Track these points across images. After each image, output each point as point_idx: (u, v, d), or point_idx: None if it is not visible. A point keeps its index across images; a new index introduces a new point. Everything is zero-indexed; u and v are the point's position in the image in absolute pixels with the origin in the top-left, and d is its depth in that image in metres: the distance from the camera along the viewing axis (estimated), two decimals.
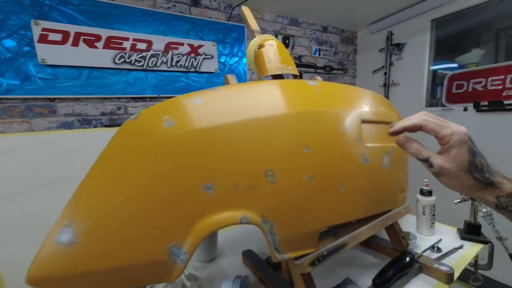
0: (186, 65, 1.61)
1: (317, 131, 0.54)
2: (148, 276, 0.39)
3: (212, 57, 1.68)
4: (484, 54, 1.83)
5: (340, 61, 2.34)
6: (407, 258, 0.61)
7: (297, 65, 2.03)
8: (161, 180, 0.40)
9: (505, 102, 1.52)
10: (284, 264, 0.63)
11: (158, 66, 1.52)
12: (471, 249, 0.72)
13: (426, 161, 0.39)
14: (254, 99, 0.51)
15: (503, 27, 2.28)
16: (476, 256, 0.72)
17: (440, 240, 0.76)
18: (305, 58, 2.12)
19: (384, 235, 0.72)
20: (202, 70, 1.65)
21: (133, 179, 0.39)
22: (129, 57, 1.43)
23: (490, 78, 1.60)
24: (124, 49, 1.41)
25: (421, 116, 0.39)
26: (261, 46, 0.71)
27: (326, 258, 0.49)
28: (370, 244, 0.77)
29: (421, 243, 0.75)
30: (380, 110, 0.74)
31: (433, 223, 0.79)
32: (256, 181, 0.46)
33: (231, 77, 0.63)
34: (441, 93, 1.85)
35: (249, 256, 0.73)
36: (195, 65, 1.63)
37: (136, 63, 1.46)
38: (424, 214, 0.79)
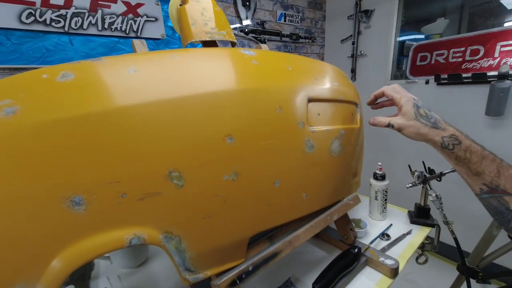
0: (123, 29, 1.32)
1: (246, 116, 0.43)
2: None
3: (157, 19, 1.42)
4: (448, 24, 1.78)
5: (308, 29, 2.15)
6: (353, 253, 0.56)
7: (260, 32, 1.83)
8: None
9: (463, 75, 1.51)
10: None
11: (85, 29, 1.22)
12: (419, 234, 0.70)
13: (389, 125, 0.48)
14: (156, 76, 0.37)
15: None
16: (425, 239, 0.70)
17: (391, 225, 0.73)
18: (269, 24, 1.90)
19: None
20: (145, 35, 1.39)
21: None
22: (41, 15, 1.12)
23: (452, 50, 1.57)
24: (33, 3, 1.10)
25: (384, 87, 0.53)
26: (184, 1, 0.55)
27: (253, 274, 0.41)
28: (320, 235, 0.71)
29: (372, 230, 0.72)
30: (334, 86, 0.64)
31: (385, 207, 0.76)
32: (154, 187, 0.34)
33: (138, 43, 0.48)
34: (406, 66, 1.80)
35: None
36: (135, 29, 1.36)
37: (54, 24, 1.15)
38: (376, 199, 0.75)
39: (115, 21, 1.30)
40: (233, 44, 0.61)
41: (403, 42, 1.97)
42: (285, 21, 1.96)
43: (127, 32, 1.35)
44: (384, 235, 0.68)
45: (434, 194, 0.68)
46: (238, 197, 0.41)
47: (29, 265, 0.28)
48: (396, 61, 1.93)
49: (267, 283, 0.57)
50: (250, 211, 0.42)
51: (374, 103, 0.59)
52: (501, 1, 2.34)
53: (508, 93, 1.35)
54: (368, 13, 1.92)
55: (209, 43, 0.56)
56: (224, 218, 0.40)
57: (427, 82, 1.68)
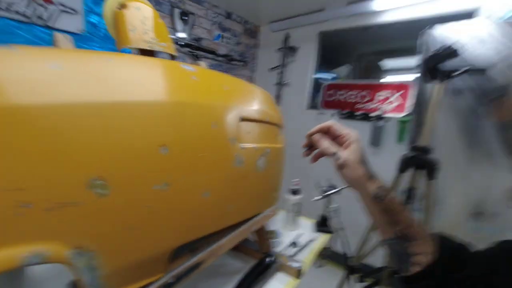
0: (26, 13, 1.09)
1: (182, 128, 0.44)
2: None
3: (76, 12, 1.23)
4: (349, 71, 2.26)
5: (242, 53, 2.31)
6: (267, 261, 0.62)
7: (195, 48, 1.84)
8: None
9: (356, 113, 1.93)
10: None
11: None
12: (321, 240, 0.83)
13: (335, 155, 0.43)
14: (86, 75, 0.34)
15: (363, 51, 2.93)
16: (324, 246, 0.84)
17: (300, 234, 0.84)
18: (205, 41, 1.95)
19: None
20: (58, 26, 1.16)
21: None
22: None
23: (349, 92, 1.99)
24: None
25: (331, 122, 0.47)
26: (123, 5, 0.52)
27: (173, 286, 0.40)
28: (238, 247, 0.76)
29: (285, 239, 0.81)
30: (264, 109, 0.71)
31: (297, 219, 0.87)
32: (70, 196, 0.30)
33: (63, 38, 0.43)
34: (319, 98, 2.16)
35: None
36: (44, 17, 1.13)
37: None
38: (291, 211, 0.86)
39: (14, 1, 1.06)
40: (172, 57, 0.61)
41: (318, 78, 2.36)
42: (222, 41, 2.05)
43: (29, 17, 1.11)
44: (293, 243, 0.78)
45: (334, 206, 0.83)
46: (166, 207, 0.40)
47: None
48: (312, 93, 2.28)
49: None
50: (176, 222, 0.42)
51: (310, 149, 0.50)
52: (380, 62, 3.15)
53: (382, 130, 1.80)
54: (293, 49, 2.23)
55: (147, 52, 0.55)
56: (147, 229, 0.38)
57: (332, 115, 2.05)
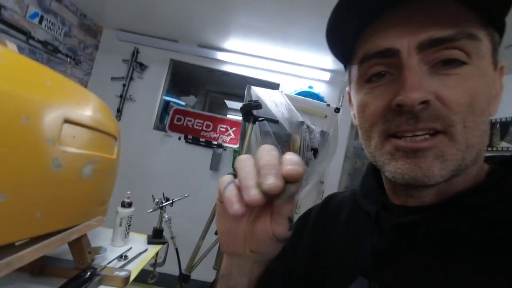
0: None
1: None
2: None
3: None
4: (197, 101, 2.53)
5: (73, 48, 1.92)
6: (88, 274, 0.57)
7: None
8: None
9: (200, 139, 2.17)
10: None
11: None
12: (152, 251, 0.85)
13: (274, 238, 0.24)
14: None
15: (210, 89, 3.41)
16: (156, 256, 0.86)
17: (130, 248, 0.82)
18: (10, 13, 1.42)
19: (64, 255, 0.62)
20: None
21: None
22: None
23: (196, 120, 2.23)
24: None
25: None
26: None
27: None
28: (45, 269, 0.62)
29: (111, 254, 0.76)
30: (97, 116, 0.69)
31: (127, 233, 0.85)
32: None
33: None
34: (166, 121, 2.22)
35: None
36: None
37: None
38: (121, 225, 0.82)
39: None
40: None
41: (168, 101, 2.43)
42: (40, 23, 1.61)
43: None
44: (122, 256, 0.75)
45: (167, 216, 0.89)
46: None
47: None
48: (160, 115, 2.30)
49: None
50: None
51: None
52: (226, 101, 3.78)
53: (221, 157, 2.13)
54: (142, 66, 2.19)
55: None
56: None
57: (179, 138, 2.17)
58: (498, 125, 1.70)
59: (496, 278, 0.21)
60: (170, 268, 1.21)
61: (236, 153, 2.10)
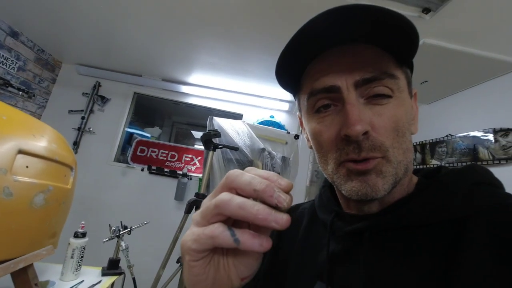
0: None
1: None
2: None
3: None
4: (161, 133, 2.55)
5: (26, 82, 1.88)
6: None
7: None
8: None
9: (165, 170, 2.17)
10: None
11: None
12: (107, 282, 0.82)
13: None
14: None
15: (176, 120, 3.46)
16: (112, 286, 0.83)
17: (82, 281, 0.78)
18: None
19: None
20: None
21: None
22: None
23: (161, 151, 2.23)
24: None
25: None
26: None
27: None
28: None
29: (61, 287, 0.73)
30: (52, 147, 0.72)
31: (80, 265, 0.81)
32: None
33: None
34: (128, 152, 2.19)
35: None
36: None
37: None
38: (72, 257, 0.79)
39: None
40: None
41: (131, 133, 2.42)
42: None
43: None
44: None
45: (124, 245, 0.88)
46: None
47: None
48: (122, 147, 2.27)
49: None
50: None
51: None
52: (191, 131, 3.84)
53: (186, 186, 2.13)
54: (104, 99, 2.20)
55: None
56: None
57: (142, 170, 2.13)
58: (428, 146, 1.99)
59: (421, 270, 0.26)
60: None
61: (201, 181, 2.12)
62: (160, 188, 2.15)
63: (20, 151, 0.59)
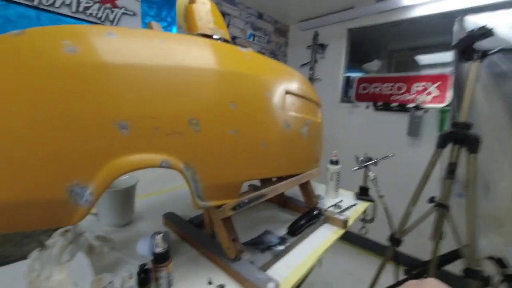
0: (99, 16, 1.33)
1: (244, 91, 0.56)
2: (43, 217, 0.32)
3: (135, 14, 1.48)
4: (381, 65, 2.27)
5: (273, 51, 2.46)
6: (315, 212, 0.71)
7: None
8: (58, 109, 0.34)
9: (391, 104, 1.93)
10: (207, 217, 0.63)
11: (57, 7, 1.19)
12: (362, 206, 0.89)
13: None
14: (181, 48, 0.48)
15: (394, 49, 2.91)
16: (364, 212, 0.90)
17: (341, 200, 0.91)
18: (239, 40, 2.13)
19: (298, 197, 0.81)
20: (121, 25, 1.43)
21: (21, 104, 0.32)
22: None
23: (384, 84, 2.00)
24: None
25: None
26: (192, 1, 0.68)
27: (247, 205, 0.52)
28: (287, 204, 0.85)
29: (327, 202, 0.89)
30: (303, 87, 0.82)
31: (337, 187, 0.95)
32: (179, 127, 0.44)
33: (155, 25, 0.59)
34: (351, 92, 2.20)
35: (170, 217, 0.70)
36: (111, 19, 1.37)
37: None
38: (331, 180, 0.93)
39: (91, 6, 1.30)
40: (227, 42, 0.76)
41: (348, 76, 2.40)
42: (253, 40, 2.21)
43: (102, 20, 1.36)
44: (336, 205, 0.86)
45: (372, 175, 0.89)
46: (238, 148, 0.53)
47: (86, 167, 0.35)
48: (344, 87, 2.32)
49: (249, 234, 0.68)
50: (245, 161, 0.54)
51: None
52: (414, 57, 3.07)
53: (421, 120, 1.77)
54: (323, 47, 2.31)
55: (210, 37, 0.70)
56: (227, 162, 0.51)
57: (367, 107, 2.07)
58: None
59: None
60: (377, 232, 1.20)
61: (445, 113, 1.65)
62: (389, 124, 1.97)
63: (287, 92, 0.71)
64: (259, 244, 0.60)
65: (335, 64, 2.29)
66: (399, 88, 1.94)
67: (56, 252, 0.45)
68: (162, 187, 1.01)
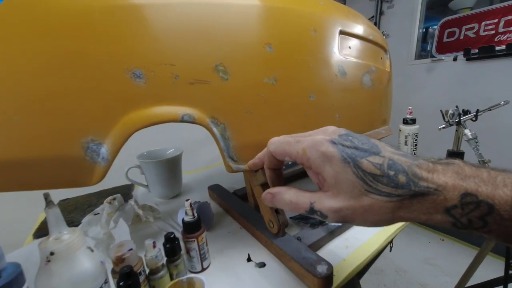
0: None
1: (284, 30, 0.45)
2: (60, 177, 0.31)
3: None
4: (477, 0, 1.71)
5: None
6: None
7: None
8: (67, 55, 0.30)
9: (497, 48, 1.44)
10: (249, 187, 0.57)
11: None
12: None
13: (313, 212, 0.24)
14: None
15: None
16: None
17: None
18: None
19: None
20: None
21: (26, 50, 0.29)
22: None
23: (483, 23, 1.50)
24: None
25: (268, 145, 0.31)
26: None
27: (290, 168, 0.43)
28: None
29: None
30: (364, 27, 0.65)
31: (415, 153, 0.75)
32: (203, 75, 0.37)
33: None
34: (431, 47, 1.75)
35: (215, 189, 0.67)
36: None
37: None
38: (406, 144, 0.74)
39: None
40: None
41: (426, 28, 1.91)
42: None
43: None
44: None
45: (469, 134, 0.66)
46: (277, 100, 0.43)
47: (100, 121, 0.32)
48: (421, 39, 1.87)
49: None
50: (287, 116, 0.45)
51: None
52: None
53: None
54: None
55: None
56: (263, 117, 0.42)
57: (455, 59, 1.62)
58: None
59: None
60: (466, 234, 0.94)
61: None
62: (491, 78, 1.50)
63: (341, 32, 0.56)
64: (309, 218, 0.51)
65: (407, 11, 1.85)
66: (510, 23, 1.43)
67: (104, 219, 0.47)
68: (210, 163, 1.00)
